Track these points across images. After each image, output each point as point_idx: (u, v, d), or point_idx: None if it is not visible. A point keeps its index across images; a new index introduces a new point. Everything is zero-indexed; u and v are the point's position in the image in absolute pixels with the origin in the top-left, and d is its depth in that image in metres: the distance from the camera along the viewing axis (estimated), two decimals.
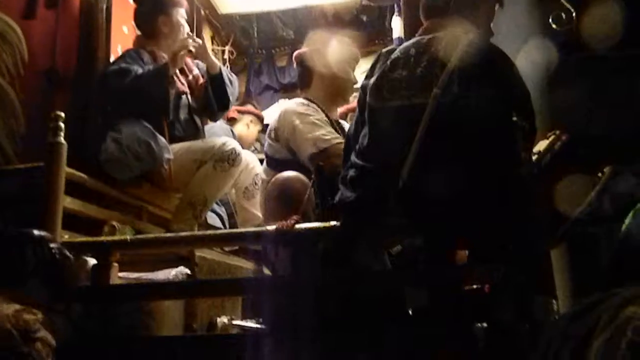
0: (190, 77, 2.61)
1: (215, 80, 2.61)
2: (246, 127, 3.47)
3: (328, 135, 2.13)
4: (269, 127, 2.34)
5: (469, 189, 1.54)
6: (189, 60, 2.62)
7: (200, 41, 2.57)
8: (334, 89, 2.33)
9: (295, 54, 2.48)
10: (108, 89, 2.38)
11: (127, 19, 2.85)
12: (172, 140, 2.42)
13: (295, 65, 2.49)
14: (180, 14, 2.57)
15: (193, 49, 2.52)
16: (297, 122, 2.17)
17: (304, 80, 2.39)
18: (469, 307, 1.67)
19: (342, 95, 2.37)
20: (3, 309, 1.20)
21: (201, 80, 2.63)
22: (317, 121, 2.17)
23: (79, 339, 1.57)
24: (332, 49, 2.33)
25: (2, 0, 2.54)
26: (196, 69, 2.67)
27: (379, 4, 3.14)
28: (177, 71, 2.54)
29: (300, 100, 2.31)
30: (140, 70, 2.37)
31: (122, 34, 2.76)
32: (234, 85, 2.70)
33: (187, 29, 2.62)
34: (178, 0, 2.58)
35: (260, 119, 3.55)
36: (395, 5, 2.83)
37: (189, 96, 2.59)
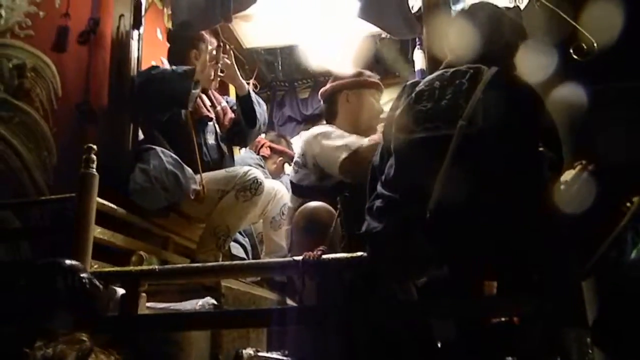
0: (219, 108, 2.70)
1: (244, 101, 2.69)
2: (274, 165, 3.51)
3: (357, 140, 2.16)
4: (295, 155, 2.38)
5: (496, 220, 1.53)
6: (217, 94, 2.71)
7: (229, 62, 2.65)
8: (360, 122, 2.38)
9: (321, 91, 2.54)
10: (136, 86, 2.50)
11: (156, 54, 2.95)
12: (201, 164, 2.48)
13: (322, 101, 2.56)
14: (209, 49, 2.66)
15: (223, 68, 2.62)
16: (323, 138, 2.24)
17: (330, 114, 2.45)
18: (498, 340, 1.65)
19: (367, 128, 2.40)
20: None
21: (229, 113, 2.71)
22: (342, 134, 2.24)
23: None
24: (361, 86, 2.39)
25: (37, 36, 2.66)
26: (224, 102, 2.76)
27: (400, 37, 3.19)
28: (206, 100, 2.63)
29: (325, 125, 2.37)
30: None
31: None
32: (262, 108, 2.77)
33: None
34: (207, 37, 2.69)
35: (290, 157, 3.58)
36: (417, 39, 2.87)
37: (216, 124, 2.67)
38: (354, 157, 2.12)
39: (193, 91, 2.47)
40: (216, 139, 2.68)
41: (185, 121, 2.55)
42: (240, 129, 2.72)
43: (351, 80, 2.46)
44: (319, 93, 2.60)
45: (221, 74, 2.66)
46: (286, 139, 3.67)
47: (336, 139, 2.24)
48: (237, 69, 2.70)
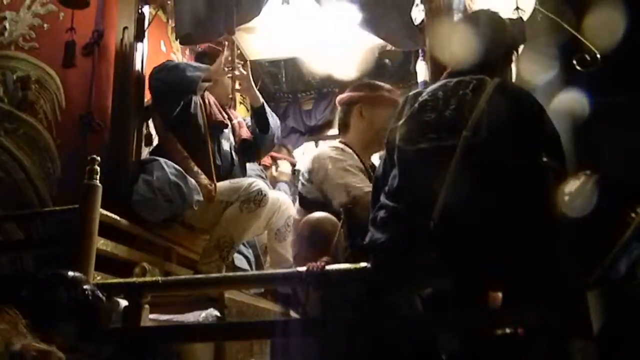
0: (235, 121, 2.75)
1: (258, 112, 2.73)
2: (277, 173, 3.52)
3: (360, 183, 2.14)
4: (303, 168, 2.37)
5: (500, 231, 1.53)
6: (233, 111, 2.79)
7: (244, 72, 2.68)
8: (372, 137, 2.35)
9: (339, 97, 2.53)
10: (150, 75, 2.57)
11: None
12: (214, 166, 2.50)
13: (338, 108, 2.54)
14: (225, 54, 2.69)
15: (238, 79, 2.68)
16: (330, 166, 2.20)
17: (343, 124, 2.43)
18: (503, 352, 1.63)
19: (378, 144, 2.37)
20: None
21: (244, 127, 2.75)
22: (349, 167, 2.19)
23: None
24: (377, 103, 2.37)
25: (41, 49, 2.68)
26: (241, 118, 2.80)
27: (403, 49, 3.20)
28: (223, 113, 2.66)
29: (335, 144, 2.34)
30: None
31: None
32: (276, 121, 2.81)
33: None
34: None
35: (292, 165, 3.59)
36: (420, 50, 2.88)
37: (231, 134, 2.71)
38: (350, 203, 2.09)
39: (201, 83, 2.52)
40: (230, 147, 2.70)
41: (202, 125, 2.57)
42: (254, 142, 2.74)
43: (368, 95, 2.41)
44: (337, 99, 2.58)
45: (237, 88, 2.70)
46: (287, 147, 3.69)
47: (343, 172, 2.18)
48: (252, 80, 2.73)
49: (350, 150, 2.29)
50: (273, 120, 2.76)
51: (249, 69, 2.74)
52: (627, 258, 1.97)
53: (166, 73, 2.54)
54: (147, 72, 2.64)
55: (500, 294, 1.70)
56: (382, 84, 2.51)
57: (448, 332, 1.66)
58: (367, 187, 2.12)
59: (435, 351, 1.66)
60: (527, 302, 1.57)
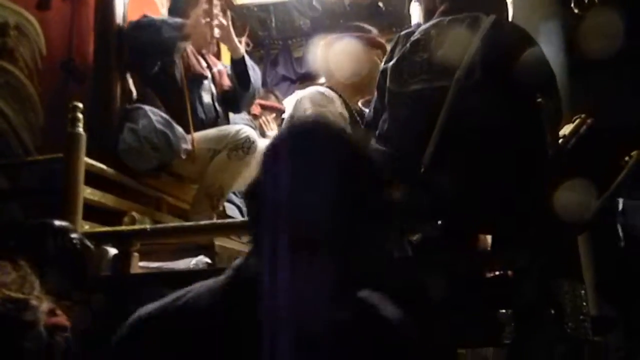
0: (215, 69, 2.64)
1: (237, 65, 2.62)
2: (266, 121, 3.46)
3: (333, 112, 2.11)
4: (286, 114, 2.33)
5: (492, 173, 1.51)
6: (214, 57, 2.66)
7: (225, 22, 2.57)
8: (359, 84, 2.30)
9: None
10: (124, 34, 2.45)
11: (142, 10, 2.84)
12: (194, 122, 2.43)
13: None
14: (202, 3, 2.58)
15: (218, 29, 2.54)
16: (308, 103, 2.17)
17: (326, 75, 2.38)
18: (492, 294, 1.64)
19: (366, 88, 2.32)
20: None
21: (225, 75, 2.65)
22: (327, 102, 2.16)
23: (100, 328, 1.57)
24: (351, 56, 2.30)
25: None
26: (221, 65, 2.69)
27: None
28: (202, 61, 2.56)
29: (319, 88, 2.29)
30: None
31: None
32: (257, 73, 2.70)
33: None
34: None
35: (281, 112, 3.52)
36: None
37: (212, 84, 2.61)
38: None
39: (180, 43, 2.41)
40: (212, 98, 2.62)
41: (180, 78, 2.47)
42: (234, 95, 2.66)
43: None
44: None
45: (217, 36, 2.59)
46: (274, 93, 3.60)
47: (314, 108, 2.15)
48: (232, 30, 2.62)
49: (335, 95, 2.24)
50: (254, 73, 2.65)
51: (229, 19, 2.62)
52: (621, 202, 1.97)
53: (140, 32, 2.39)
54: (129, 17, 2.53)
55: (489, 237, 1.70)
56: (368, 27, 2.44)
57: (437, 274, 1.66)
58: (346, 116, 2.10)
59: (424, 293, 1.67)
60: (517, 245, 1.56)
